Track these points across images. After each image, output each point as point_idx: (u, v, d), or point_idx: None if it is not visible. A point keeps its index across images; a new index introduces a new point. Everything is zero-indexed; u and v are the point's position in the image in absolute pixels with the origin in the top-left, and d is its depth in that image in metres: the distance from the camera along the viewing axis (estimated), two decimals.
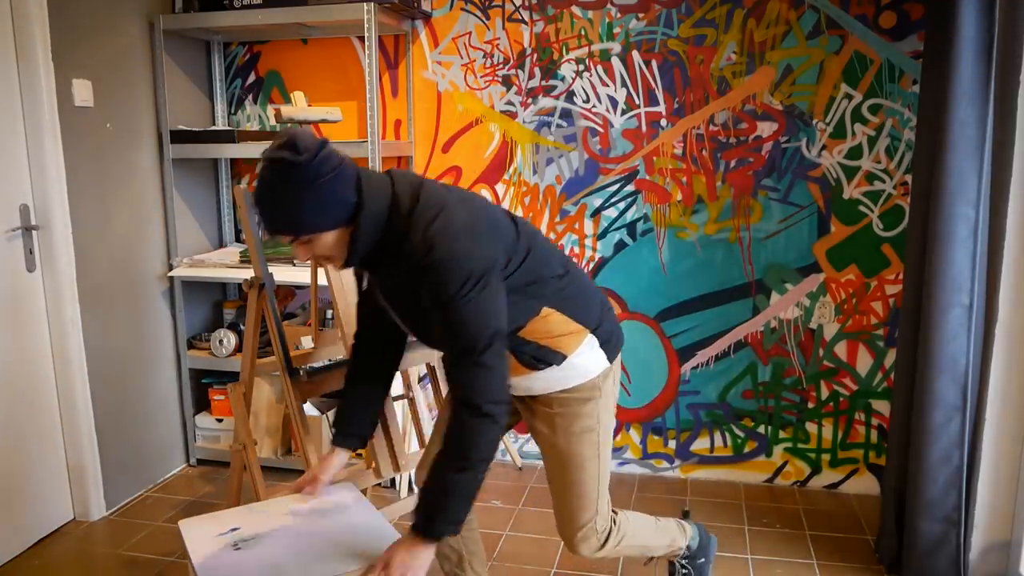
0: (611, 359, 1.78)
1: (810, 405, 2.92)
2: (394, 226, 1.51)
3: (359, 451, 1.86)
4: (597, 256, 3.00)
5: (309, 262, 2.26)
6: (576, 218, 2.99)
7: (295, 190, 1.42)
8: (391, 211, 1.52)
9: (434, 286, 1.46)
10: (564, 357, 1.70)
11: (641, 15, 2.81)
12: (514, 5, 2.91)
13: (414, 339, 1.79)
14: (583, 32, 2.87)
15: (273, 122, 3.25)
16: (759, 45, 2.74)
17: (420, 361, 2.34)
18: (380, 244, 1.53)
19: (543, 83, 2.94)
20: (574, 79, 2.91)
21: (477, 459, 1.50)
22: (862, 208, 2.76)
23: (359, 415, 1.83)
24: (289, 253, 2.99)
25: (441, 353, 1.72)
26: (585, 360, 1.72)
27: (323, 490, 1.78)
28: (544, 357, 1.68)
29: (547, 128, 2.96)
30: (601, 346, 1.75)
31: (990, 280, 2.13)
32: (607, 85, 2.88)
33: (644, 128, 2.88)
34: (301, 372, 2.08)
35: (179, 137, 2.96)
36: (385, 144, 2.88)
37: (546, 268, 1.66)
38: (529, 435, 3.19)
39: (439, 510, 1.52)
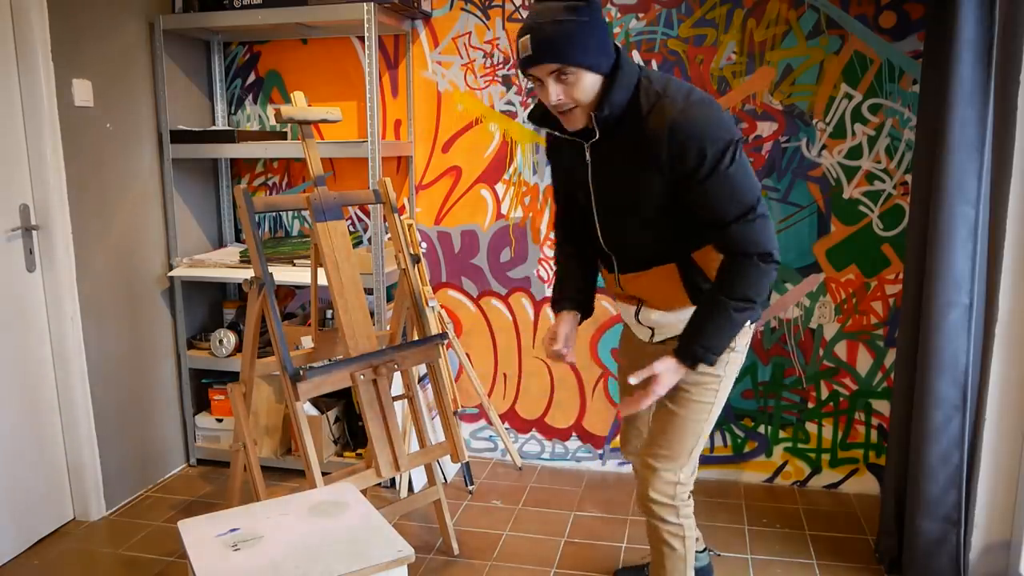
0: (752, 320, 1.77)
1: (810, 405, 2.92)
2: (642, 95, 1.56)
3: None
4: None
5: (309, 262, 2.26)
6: None
7: (578, 21, 1.49)
8: (640, 82, 1.57)
9: (699, 150, 1.50)
10: None
11: (641, 15, 2.81)
12: (514, 5, 2.91)
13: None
14: None
15: (273, 122, 3.25)
16: (759, 45, 2.74)
17: (420, 361, 2.34)
18: (627, 108, 1.57)
19: None
20: None
21: (759, 301, 1.60)
22: (862, 208, 2.76)
23: (576, 283, 1.89)
24: (289, 253, 2.99)
25: None
26: None
27: (322, 488, 1.78)
28: (703, 286, 1.69)
29: None
30: None
31: (990, 280, 2.13)
32: None
33: None
34: (301, 372, 2.08)
35: (179, 137, 2.96)
36: (385, 144, 2.87)
37: None
38: (529, 435, 3.19)
39: (710, 339, 1.61)
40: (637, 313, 1.83)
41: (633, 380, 1.59)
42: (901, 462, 2.32)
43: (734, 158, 1.52)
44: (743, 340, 1.78)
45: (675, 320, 1.76)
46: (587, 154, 1.67)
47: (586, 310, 1.90)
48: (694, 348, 1.62)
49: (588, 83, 1.53)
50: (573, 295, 1.89)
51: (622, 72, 1.55)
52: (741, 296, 1.58)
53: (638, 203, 1.63)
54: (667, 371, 1.62)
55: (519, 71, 1.56)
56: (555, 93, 1.53)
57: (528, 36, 1.50)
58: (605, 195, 1.69)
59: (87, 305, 2.67)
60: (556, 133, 1.69)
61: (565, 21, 1.48)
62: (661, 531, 1.83)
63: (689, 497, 1.83)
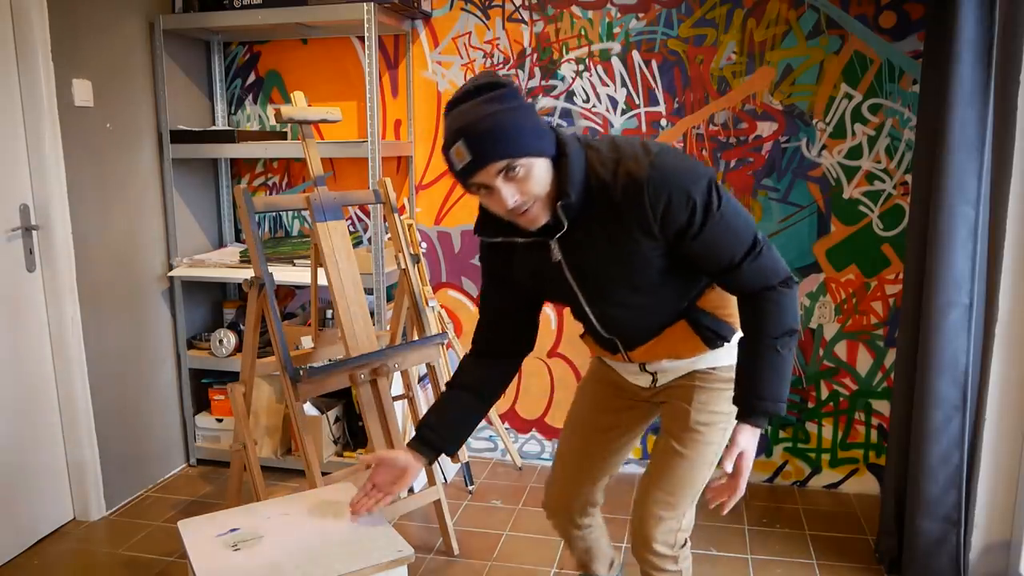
0: None
1: (810, 405, 2.92)
2: (596, 165, 1.42)
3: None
4: None
5: (309, 262, 2.25)
6: None
7: (511, 109, 1.33)
8: (586, 152, 1.44)
9: (687, 200, 1.38)
10: (734, 332, 1.63)
11: (641, 15, 2.81)
12: (514, 5, 2.91)
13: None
14: (583, 32, 2.87)
15: (273, 122, 3.25)
16: (759, 45, 2.74)
17: (420, 361, 2.34)
18: (587, 184, 1.42)
19: (543, 83, 2.94)
20: (574, 79, 2.91)
21: (797, 327, 1.51)
22: (862, 208, 2.76)
23: (445, 423, 1.67)
24: (289, 253, 2.99)
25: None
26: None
27: (321, 489, 1.78)
28: (720, 330, 1.61)
29: None
30: None
31: (990, 280, 2.13)
32: (607, 85, 2.88)
33: (644, 128, 2.88)
34: (301, 372, 2.08)
35: (179, 137, 2.96)
36: (385, 144, 2.87)
37: None
38: (529, 435, 3.19)
39: (773, 389, 1.49)
40: (643, 364, 1.70)
41: (729, 466, 1.48)
42: (901, 462, 2.32)
43: (720, 195, 1.41)
44: None
45: (687, 364, 1.67)
46: (554, 251, 1.51)
47: (440, 452, 1.66)
48: (763, 405, 1.49)
49: (540, 172, 1.36)
50: (430, 435, 1.64)
51: (568, 147, 1.40)
52: (783, 331, 1.48)
53: (635, 277, 1.50)
54: (750, 442, 1.50)
55: (461, 185, 1.39)
56: (510, 195, 1.35)
57: (461, 141, 1.32)
58: (593, 283, 1.54)
59: (87, 305, 2.67)
60: (516, 239, 1.51)
61: (495, 112, 1.32)
62: None
63: (686, 543, 1.72)
